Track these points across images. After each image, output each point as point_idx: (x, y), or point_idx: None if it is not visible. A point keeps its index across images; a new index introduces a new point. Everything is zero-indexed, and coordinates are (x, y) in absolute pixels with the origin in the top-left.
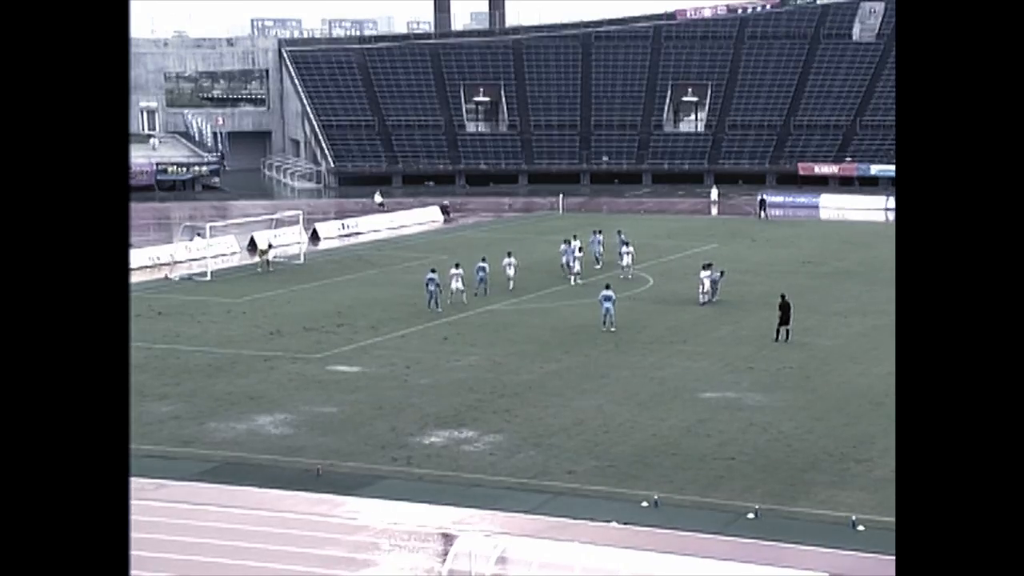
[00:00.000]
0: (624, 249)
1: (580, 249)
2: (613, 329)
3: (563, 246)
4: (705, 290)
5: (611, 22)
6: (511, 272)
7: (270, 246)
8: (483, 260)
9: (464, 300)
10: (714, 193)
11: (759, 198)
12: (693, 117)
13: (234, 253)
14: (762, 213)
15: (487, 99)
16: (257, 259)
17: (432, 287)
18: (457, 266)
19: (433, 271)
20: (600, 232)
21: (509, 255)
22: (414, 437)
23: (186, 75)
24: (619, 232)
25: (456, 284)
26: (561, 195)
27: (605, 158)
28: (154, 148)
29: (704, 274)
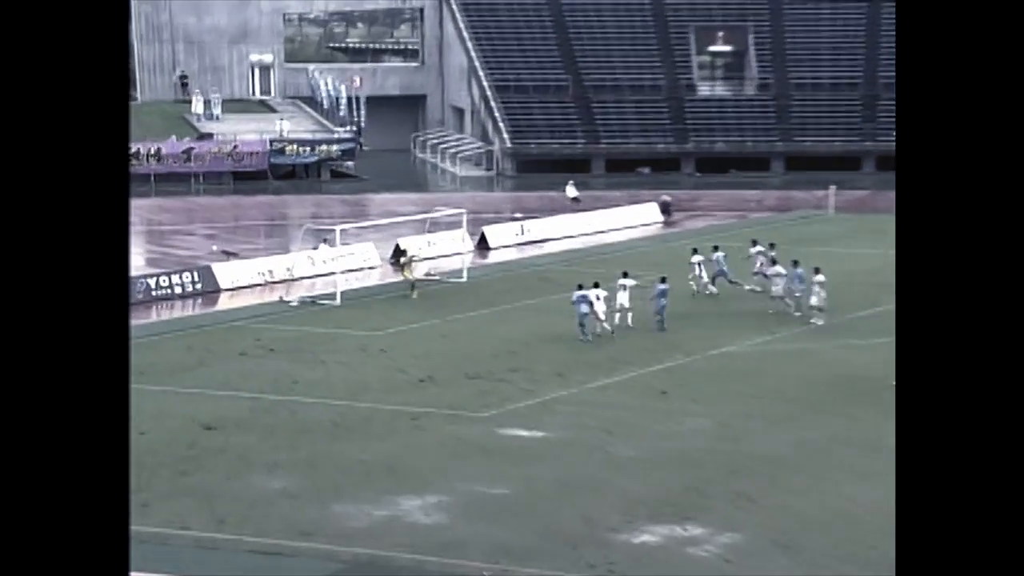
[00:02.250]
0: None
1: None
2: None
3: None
4: None
5: None
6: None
7: (417, 258)
8: (663, 281)
9: (607, 329)
10: None
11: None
12: None
13: (373, 267)
14: None
15: (728, 49)
16: (405, 275)
17: (585, 308)
18: (625, 275)
19: (581, 288)
20: (758, 246)
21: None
22: (617, 533)
23: (311, 17)
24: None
25: (620, 299)
26: (833, 187)
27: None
28: (281, 121)
29: None
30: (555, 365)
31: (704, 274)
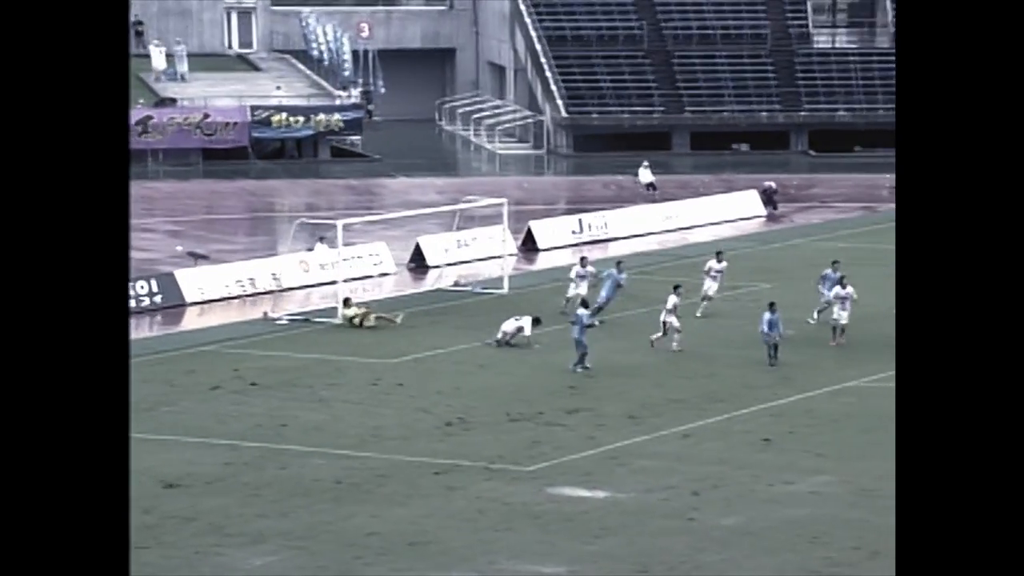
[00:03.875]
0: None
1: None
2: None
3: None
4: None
5: None
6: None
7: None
8: (771, 308)
9: None
10: None
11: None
12: None
13: (386, 274)
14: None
15: None
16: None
17: (771, 331)
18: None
19: (772, 308)
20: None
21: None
22: None
23: None
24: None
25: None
26: None
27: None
28: (278, 89)
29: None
30: (626, 404)
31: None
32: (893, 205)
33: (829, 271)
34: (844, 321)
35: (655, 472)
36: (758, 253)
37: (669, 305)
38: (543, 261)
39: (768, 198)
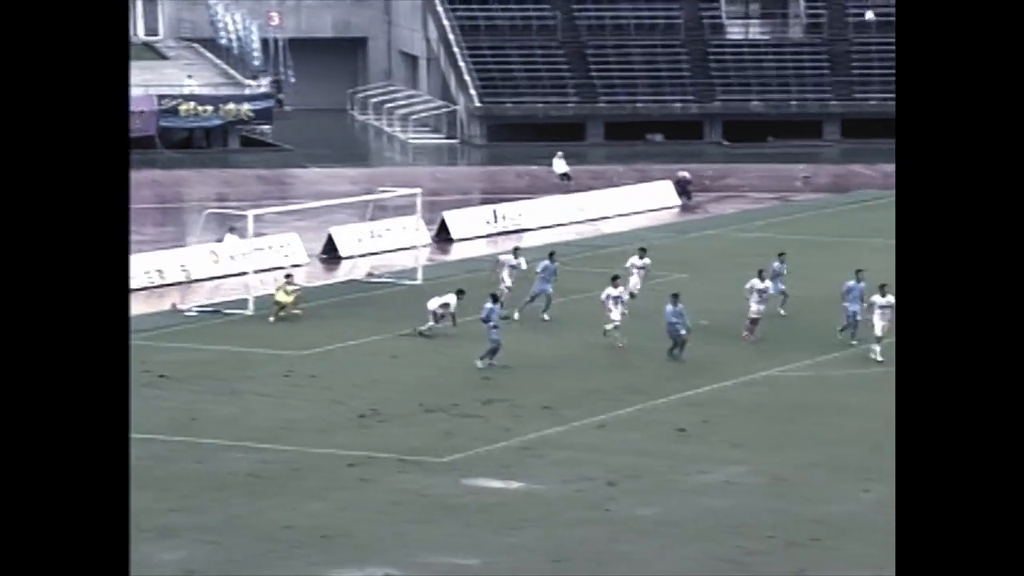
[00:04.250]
0: (880, 303)
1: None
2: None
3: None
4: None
5: None
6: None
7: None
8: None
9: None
10: None
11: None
12: None
13: (297, 265)
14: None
15: None
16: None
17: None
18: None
19: (675, 300)
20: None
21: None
22: None
23: None
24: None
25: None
26: None
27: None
28: (190, 79)
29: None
30: (542, 395)
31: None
32: (807, 195)
33: (852, 282)
34: (879, 333)
35: (572, 463)
36: (673, 243)
37: (603, 296)
38: (457, 252)
39: (682, 188)
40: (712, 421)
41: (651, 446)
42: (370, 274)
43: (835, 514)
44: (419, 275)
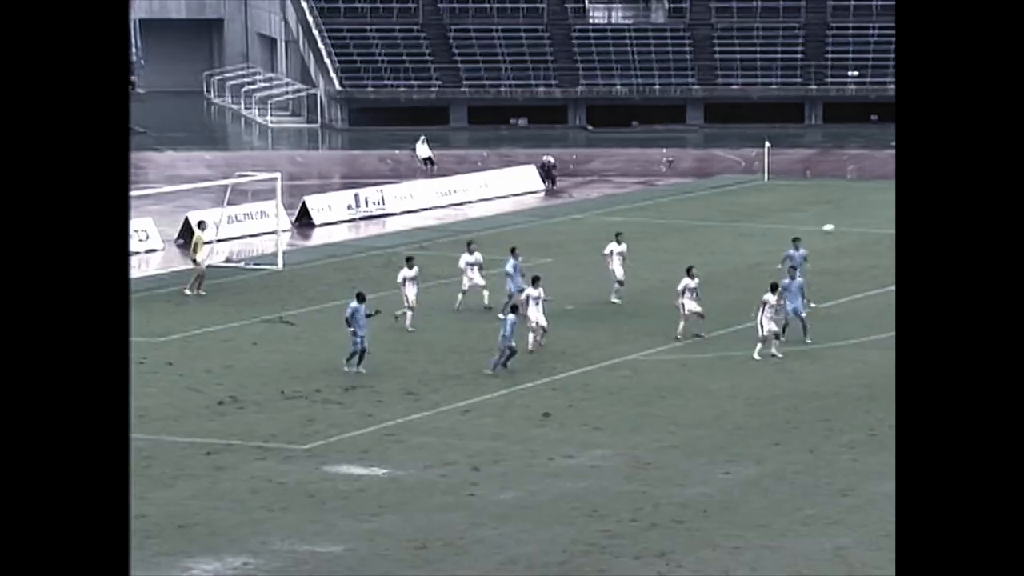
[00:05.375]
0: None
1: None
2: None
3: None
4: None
5: None
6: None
7: (207, 240)
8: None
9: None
10: None
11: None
12: None
13: (153, 251)
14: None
15: None
16: (195, 261)
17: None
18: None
19: (515, 310)
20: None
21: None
22: None
23: None
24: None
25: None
26: (768, 145)
27: (853, 73)
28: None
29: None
30: (403, 381)
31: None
32: (671, 179)
33: (791, 251)
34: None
35: (433, 448)
36: (537, 228)
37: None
38: (318, 237)
39: (546, 173)
40: (576, 405)
41: (514, 431)
42: (228, 259)
43: (697, 496)
44: (279, 260)
